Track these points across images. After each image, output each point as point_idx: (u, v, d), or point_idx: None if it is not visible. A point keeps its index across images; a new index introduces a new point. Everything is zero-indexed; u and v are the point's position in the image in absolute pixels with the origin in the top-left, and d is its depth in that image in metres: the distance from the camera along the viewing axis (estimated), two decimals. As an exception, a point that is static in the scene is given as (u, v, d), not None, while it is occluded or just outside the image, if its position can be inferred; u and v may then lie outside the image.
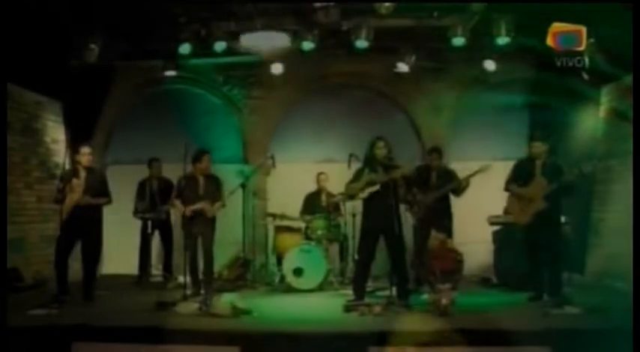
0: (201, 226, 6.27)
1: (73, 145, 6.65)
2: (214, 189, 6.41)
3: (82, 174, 5.94)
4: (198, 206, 6.23)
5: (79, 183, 5.83)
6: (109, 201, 6.23)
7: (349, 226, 7.14)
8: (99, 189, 6.03)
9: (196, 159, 6.31)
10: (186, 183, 6.28)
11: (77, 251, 6.00)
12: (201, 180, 6.38)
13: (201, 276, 6.30)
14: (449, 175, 6.66)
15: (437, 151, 6.81)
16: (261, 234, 7.70)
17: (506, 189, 6.00)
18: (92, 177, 6.02)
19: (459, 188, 6.53)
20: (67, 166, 6.50)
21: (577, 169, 5.56)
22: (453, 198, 6.66)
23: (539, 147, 5.78)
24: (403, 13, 6.31)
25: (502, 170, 6.21)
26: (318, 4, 6.18)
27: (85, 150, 5.99)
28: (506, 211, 6.43)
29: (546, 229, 5.68)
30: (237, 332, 4.63)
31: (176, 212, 6.66)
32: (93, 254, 6.05)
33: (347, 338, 4.51)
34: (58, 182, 6.04)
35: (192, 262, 6.29)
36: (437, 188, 6.54)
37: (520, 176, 5.89)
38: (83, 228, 5.89)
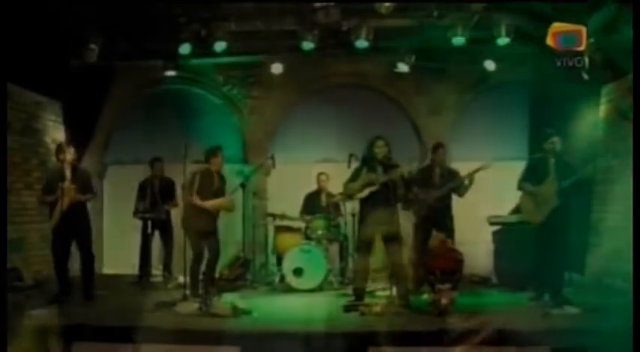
0: (212, 224, 6.16)
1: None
2: (223, 186, 6.33)
3: (68, 172, 5.88)
4: (219, 201, 6.11)
5: (69, 184, 5.79)
6: (95, 197, 6.32)
7: (349, 226, 7.12)
8: (86, 185, 6.03)
9: (213, 154, 6.19)
10: (203, 179, 6.11)
11: (75, 251, 6.01)
12: (215, 176, 6.23)
13: (201, 276, 6.23)
14: (451, 174, 6.61)
15: (442, 147, 6.73)
16: (261, 234, 7.70)
17: (520, 187, 5.93)
18: (78, 174, 5.98)
19: (462, 186, 6.47)
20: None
21: (590, 167, 5.56)
22: (453, 198, 6.63)
23: (557, 143, 5.75)
24: (403, 13, 6.31)
25: (502, 170, 6.19)
26: (318, 4, 6.18)
27: (70, 149, 5.94)
28: (519, 210, 6.33)
29: (560, 228, 5.66)
30: (237, 332, 4.64)
31: (182, 209, 6.43)
32: (89, 251, 6.03)
33: (347, 338, 4.52)
34: (45, 183, 6.00)
35: (197, 262, 6.13)
36: (439, 187, 6.49)
37: (533, 175, 5.86)
38: (76, 227, 5.89)
